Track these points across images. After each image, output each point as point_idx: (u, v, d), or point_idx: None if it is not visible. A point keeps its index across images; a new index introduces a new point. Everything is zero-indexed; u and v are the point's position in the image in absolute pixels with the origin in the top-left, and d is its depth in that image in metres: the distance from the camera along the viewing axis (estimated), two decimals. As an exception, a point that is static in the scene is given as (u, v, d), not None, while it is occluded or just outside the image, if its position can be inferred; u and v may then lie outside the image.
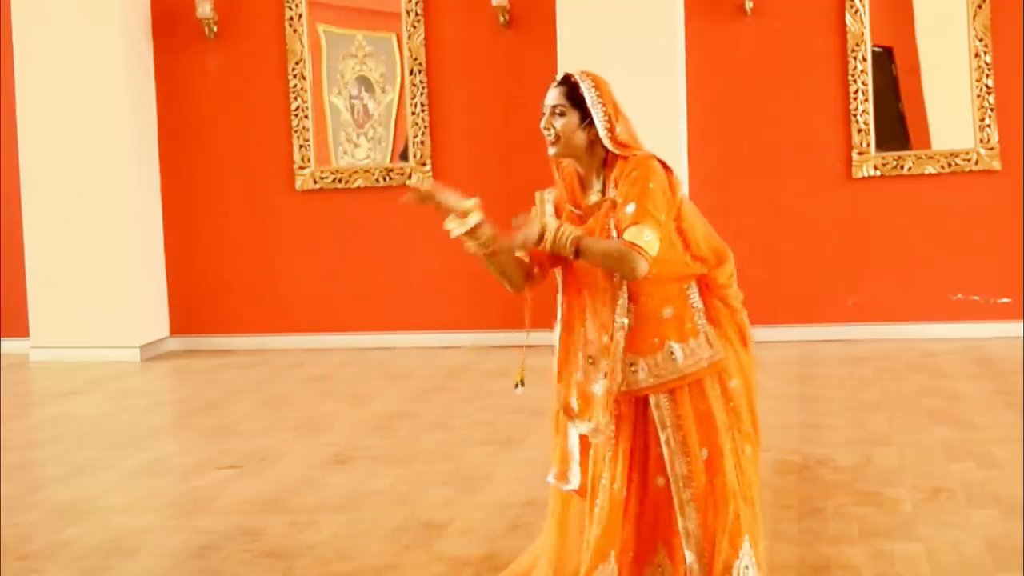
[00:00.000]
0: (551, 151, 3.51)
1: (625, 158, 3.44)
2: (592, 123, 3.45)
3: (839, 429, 6.23)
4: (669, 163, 3.50)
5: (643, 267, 3.32)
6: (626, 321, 3.43)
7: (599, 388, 3.47)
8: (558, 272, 3.58)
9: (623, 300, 3.42)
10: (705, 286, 3.53)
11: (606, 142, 3.45)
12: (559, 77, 3.52)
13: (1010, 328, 8.45)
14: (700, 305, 3.51)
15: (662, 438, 3.47)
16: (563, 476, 3.63)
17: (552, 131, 3.47)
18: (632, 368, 3.47)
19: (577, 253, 3.36)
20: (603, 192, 3.48)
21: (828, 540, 4.55)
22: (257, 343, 9.56)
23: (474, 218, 3.40)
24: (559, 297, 3.60)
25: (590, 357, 3.50)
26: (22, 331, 9.68)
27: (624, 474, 3.47)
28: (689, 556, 3.44)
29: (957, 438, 5.93)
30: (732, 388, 3.51)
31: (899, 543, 4.48)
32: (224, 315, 9.67)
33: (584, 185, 3.55)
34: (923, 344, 8.34)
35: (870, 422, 6.36)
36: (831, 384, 7.35)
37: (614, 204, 3.41)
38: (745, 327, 3.59)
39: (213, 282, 9.67)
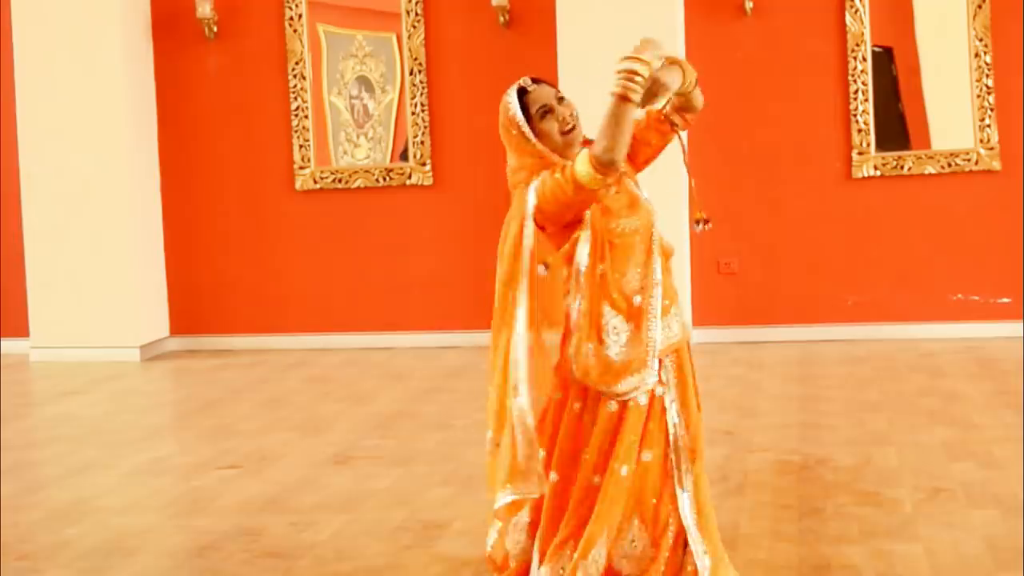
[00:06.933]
0: (580, 139, 3.57)
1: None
2: None
3: (839, 429, 6.23)
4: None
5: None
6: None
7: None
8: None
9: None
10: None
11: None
12: (526, 82, 3.55)
13: (1010, 328, 8.45)
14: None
15: None
16: None
17: (572, 121, 3.54)
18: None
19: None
20: None
21: (828, 540, 4.55)
22: (257, 343, 9.56)
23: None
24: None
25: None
26: (22, 331, 9.68)
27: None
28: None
29: (957, 438, 5.93)
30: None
31: (899, 543, 4.48)
32: (224, 315, 9.67)
33: None
34: (923, 344, 8.34)
35: (870, 422, 6.36)
36: (831, 384, 7.35)
37: None
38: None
39: (213, 282, 9.67)
